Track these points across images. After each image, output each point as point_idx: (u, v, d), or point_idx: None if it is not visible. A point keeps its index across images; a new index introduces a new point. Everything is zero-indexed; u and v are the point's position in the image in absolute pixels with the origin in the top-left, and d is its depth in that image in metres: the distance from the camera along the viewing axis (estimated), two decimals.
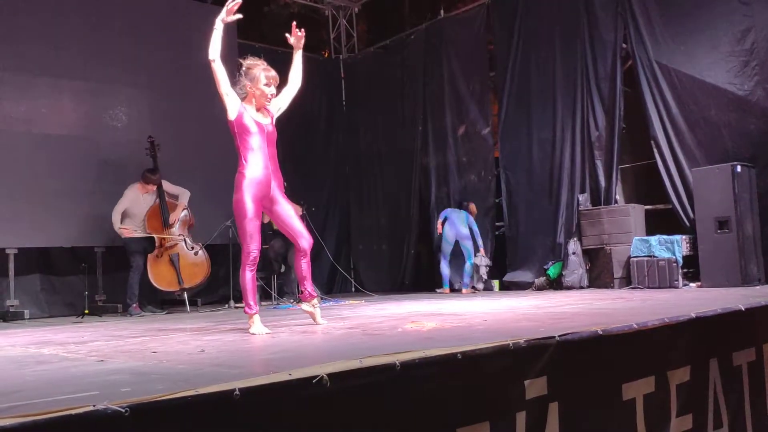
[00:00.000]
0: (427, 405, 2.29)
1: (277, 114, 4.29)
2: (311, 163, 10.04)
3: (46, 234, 7.34)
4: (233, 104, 4.04)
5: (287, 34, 4.26)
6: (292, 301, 7.71)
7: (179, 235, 7.31)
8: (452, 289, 8.46)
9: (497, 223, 8.67)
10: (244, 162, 4.06)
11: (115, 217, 7.06)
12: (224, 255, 7.94)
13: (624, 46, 7.59)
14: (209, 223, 7.59)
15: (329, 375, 2.06)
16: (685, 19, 7.06)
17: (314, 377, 2.05)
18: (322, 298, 7.91)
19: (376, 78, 10.22)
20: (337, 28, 10.98)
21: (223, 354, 3.11)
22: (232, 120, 4.06)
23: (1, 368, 3.02)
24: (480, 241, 8.37)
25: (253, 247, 4.05)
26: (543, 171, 8.14)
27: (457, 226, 8.40)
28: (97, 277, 7.73)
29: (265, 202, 4.13)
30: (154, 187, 7.23)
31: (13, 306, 7.12)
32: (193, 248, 7.40)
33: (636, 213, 7.37)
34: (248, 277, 4.09)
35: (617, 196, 7.66)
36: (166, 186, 7.35)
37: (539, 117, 8.19)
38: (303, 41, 4.30)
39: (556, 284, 7.55)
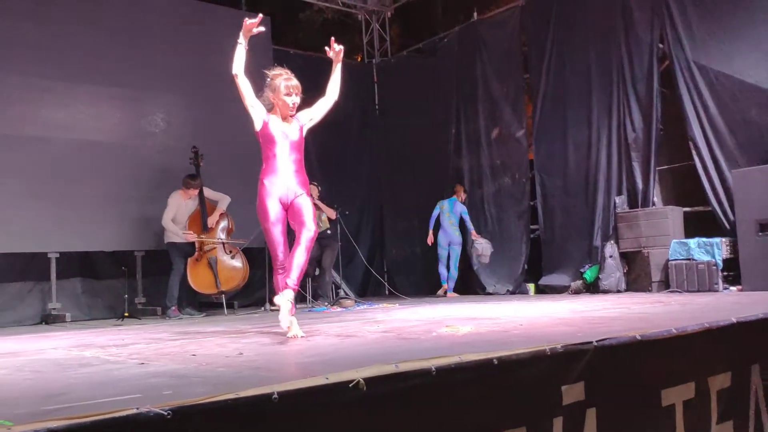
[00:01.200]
0: (462, 410, 2.29)
1: (309, 124, 4.30)
2: (345, 168, 10.10)
3: (87, 238, 7.50)
4: (258, 116, 4.10)
5: (326, 48, 4.29)
6: (326, 304, 7.76)
7: (218, 239, 7.45)
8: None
9: (532, 226, 8.61)
10: (265, 165, 4.13)
11: (170, 225, 7.25)
12: (261, 259, 8.03)
13: (661, 45, 7.48)
14: (247, 228, 7.68)
15: (365, 379, 2.08)
16: (724, 18, 6.93)
17: (350, 381, 2.06)
18: (356, 302, 7.96)
19: (409, 81, 10.23)
20: (370, 32, 11.03)
21: (260, 357, 3.15)
22: (258, 131, 4.14)
23: (46, 371, 3.10)
24: (471, 225, 8.71)
25: (279, 250, 4.09)
26: (579, 173, 8.06)
27: (449, 233, 8.71)
28: (137, 281, 7.88)
29: (283, 208, 4.12)
30: (196, 192, 7.39)
31: (55, 309, 7.29)
32: (230, 252, 7.52)
33: (674, 215, 7.26)
34: (279, 280, 4.11)
35: (655, 198, 7.55)
36: (207, 192, 7.51)
37: (575, 118, 8.12)
38: (342, 55, 4.31)
39: (593, 288, 7.46)
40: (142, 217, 7.64)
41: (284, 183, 4.07)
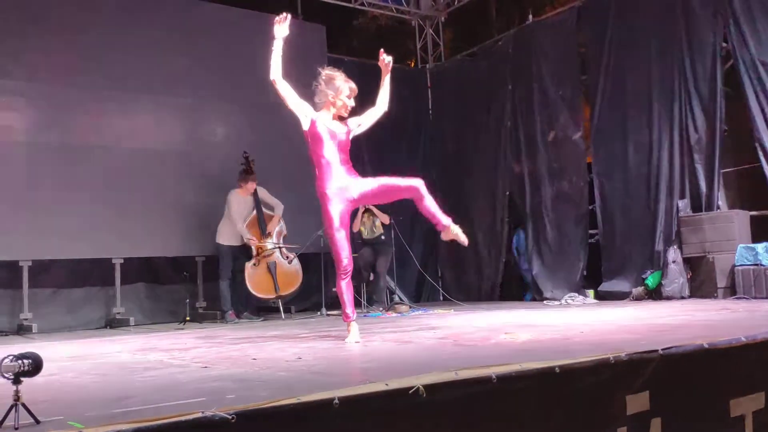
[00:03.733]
0: (523, 419, 2.27)
1: (357, 130, 4.32)
2: (398, 172, 9.99)
3: (150, 244, 7.71)
4: (305, 115, 4.15)
5: (379, 61, 4.32)
6: (381, 309, 7.78)
7: (276, 244, 7.59)
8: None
9: (591, 231, 8.44)
10: (318, 172, 4.15)
11: (240, 226, 7.39)
12: (316, 263, 8.11)
13: (724, 45, 7.25)
14: (302, 233, 7.78)
15: (425, 386, 2.07)
16: None
17: (410, 388, 2.06)
18: (410, 307, 7.95)
19: (462, 85, 10.18)
20: (423, 37, 11.03)
21: (319, 362, 3.18)
22: (306, 130, 4.17)
23: (112, 374, 3.20)
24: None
25: (343, 255, 4.09)
26: (639, 176, 7.86)
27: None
28: (198, 285, 8.05)
29: (350, 206, 4.17)
30: (254, 187, 7.51)
31: (119, 313, 7.50)
32: (288, 257, 7.64)
33: (740, 219, 7.01)
34: (342, 286, 4.13)
35: (719, 202, 7.30)
36: (263, 194, 7.64)
37: (635, 120, 7.93)
38: (391, 66, 4.34)
39: (655, 294, 7.26)
40: (202, 223, 7.81)
41: (342, 183, 4.10)
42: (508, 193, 9.35)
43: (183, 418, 1.73)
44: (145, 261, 7.92)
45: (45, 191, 7.06)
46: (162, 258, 7.98)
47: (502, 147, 9.41)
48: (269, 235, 7.58)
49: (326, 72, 4.22)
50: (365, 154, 9.83)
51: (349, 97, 4.18)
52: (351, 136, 4.26)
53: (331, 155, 4.11)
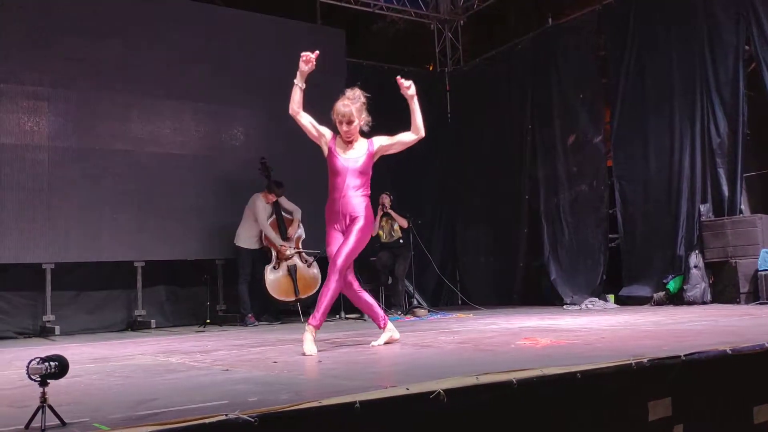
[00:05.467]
0: (544, 424, 2.26)
1: (383, 152, 4.23)
2: (416, 176, 10.10)
3: (171, 248, 7.78)
4: (324, 143, 4.17)
5: (401, 90, 4.19)
6: (399, 313, 7.78)
7: (295, 248, 7.63)
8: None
9: (611, 235, 8.38)
10: (329, 194, 4.18)
11: (270, 232, 7.44)
12: None
13: (747, 48, 7.17)
14: (320, 237, 7.78)
15: (446, 391, 2.08)
16: None
17: (431, 392, 2.07)
18: (429, 311, 7.94)
19: (481, 89, 10.17)
20: (442, 41, 11.03)
21: (339, 365, 3.19)
22: (325, 156, 4.21)
23: (135, 376, 3.23)
24: None
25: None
26: (660, 180, 7.79)
27: None
28: (218, 288, 8.12)
29: (339, 228, 4.14)
30: (275, 199, 7.59)
31: (140, 316, 7.58)
32: (307, 261, 7.68)
33: (764, 224, 6.91)
34: (364, 296, 4.23)
35: (742, 206, 7.22)
36: (282, 199, 7.70)
37: (655, 124, 7.87)
38: (413, 91, 4.18)
39: (677, 299, 7.19)
40: (223, 227, 7.87)
41: (340, 211, 4.10)
42: (527, 197, 9.31)
43: (207, 421, 1.75)
44: (166, 264, 7.98)
45: (68, 195, 7.16)
46: (183, 261, 8.04)
47: (521, 151, 9.39)
48: (289, 239, 7.64)
49: (343, 92, 4.16)
50: (384, 160, 9.80)
51: (340, 122, 4.07)
52: (375, 158, 4.19)
53: (341, 183, 4.09)
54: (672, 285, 7.24)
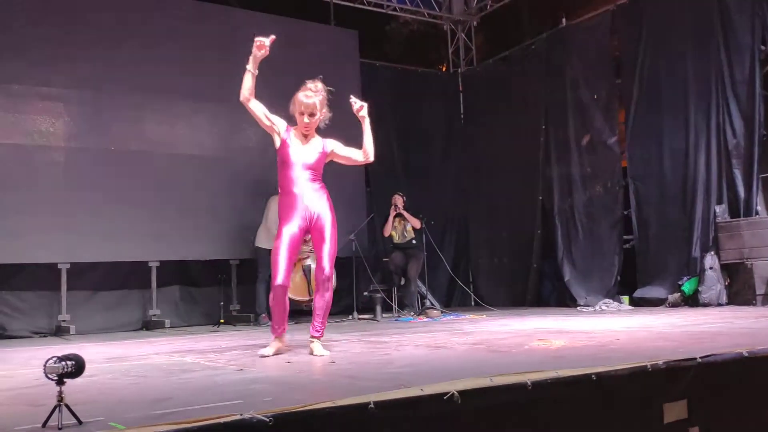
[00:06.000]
0: (558, 426, 2.25)
1: (331, 158, 4.05)
2: (430, 177, 10.10)
3: (185, 248, 7.81)
4: (277, 133, 3.98)
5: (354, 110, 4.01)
6: (412, 313, 7.78)
7: (310, 249, 7.64)
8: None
9: (625, 236, 8.33)
10: (280, 190, 3.99)
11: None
12: (347, 268, 8.14)
13: (763, 48, 7.11)
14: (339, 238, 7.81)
15: (460, 392, 2.08)
16: None
17: (445, 393, 2.07)
18: (442, 312, 7.93)
19: (495, 90, 10.14)
20: (455, 42, 11.02)
21: (353, 366, 3.19)
22: (276, 149, 4.01)
23: (150, 375, 3.25)
24: None
25: (279, 275, 3.83)
26: (675, 181, 7.75)
27: None
28: (232, 289, 8.15)
29: (302, 225, 3.93)
30: None
31: (155, 315, 7.63)
32: None
33: None
34: (271, 301, 3.98)
35: (758, 207, 7.15)
36: None
37: (670, 124, 7.82)
38: (364, 112, 3.99)
39: (692, 301, 7.14)
40: (237, 228, 7.91)
41: (302, 206, 3.90)
42: (540, 198, 9.28)
43: (222, 421, 1.76)
44: (180, 264, 8.03)
45: (83, 195, 7.21)
46: (197, 261, 8.09)
47: (535, 152, 9.35)
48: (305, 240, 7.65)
49: (307, 83, 3.99)
50: (397, 160, 9.86)
51: (301, 113, 3.90)
52: (326, 160, 4.02)
53: (296, 176, 3.90)
54: (687, 287, 7.19)
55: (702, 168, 7.48)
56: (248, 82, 3.98)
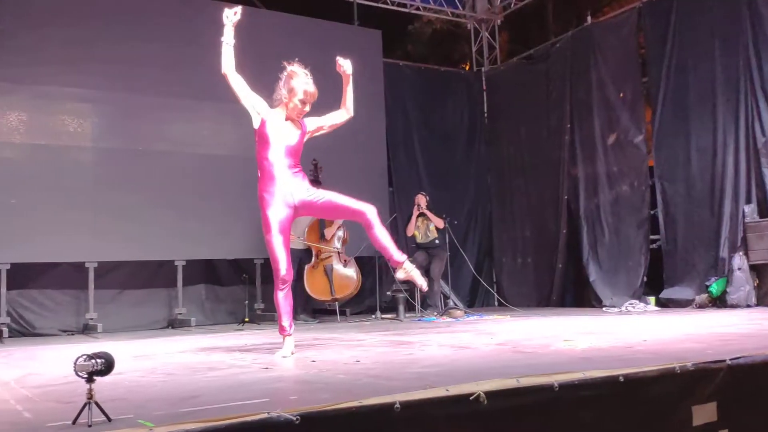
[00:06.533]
0: (585, 428, 2.23)
1: (315, 134, 4.06)
2: (453, 176, 10.08)
3: (211, 247, 7.88)
4: (257, 113, 3.93)
5: (337, 68, 4.00)
6: (435, 313, 7.76)
7: (333, 248, 7.68)
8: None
9: (652, 236, 8.24)
10: (260, 174, 3.93)
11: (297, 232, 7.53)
12: (371, 266, 8.16)
13: None
14: (358, 238, 7.83)
15: (486, 392, 2.07)
16: None
17: (471, 394, 2.06)
18: (465, 312, 7.91)
19: (519, 89, 10.08)
20: (479, 40, 10.98)
21: (377, 365, 3.20)
22: (255, 129, 3.94)
23: (177, 373, 3.28)
24: None
25: (281, 264, 3.81)
26: (703, 180, 7.64)
27: None
28: (256, 287, 8.19)
29: (291, 212, 3.89)
30: None
31: (181, 314, 7.70)
32: (345, 261, 7.73)
33: None
34: (279, 297, 3.89)
35: None
36: None
37: (698, 123, 7.71)
38: (350, 72, 4.00)
39: (720, 302, 7.04)
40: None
41: (286, 188, 3.85)
42: (566, 197, 9.21)
43: (249, 419, 1.77)
44: (206, 263, 8.10)
45: (111, 195, 7.29)
46: (222, 260, 8.16)
47: (560, 151, 9.28)
48: (328, 240, 7.70)
49: (290, 68, 3.93)
50: (419, 159, 9.85)
51: (303, 102, 3.86)
52: (306, 138, 4.00)
53: (276, 158, 3.85)
54: (714, 287, 7.09)
55: (730, 167, 7.37)
56: (228, 54, 3.97)
